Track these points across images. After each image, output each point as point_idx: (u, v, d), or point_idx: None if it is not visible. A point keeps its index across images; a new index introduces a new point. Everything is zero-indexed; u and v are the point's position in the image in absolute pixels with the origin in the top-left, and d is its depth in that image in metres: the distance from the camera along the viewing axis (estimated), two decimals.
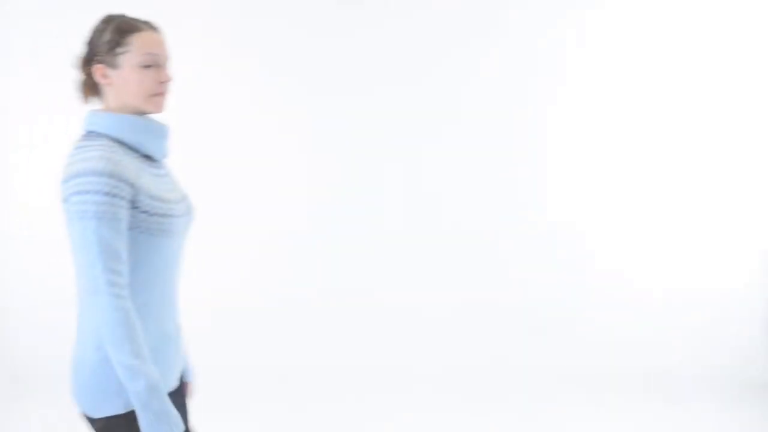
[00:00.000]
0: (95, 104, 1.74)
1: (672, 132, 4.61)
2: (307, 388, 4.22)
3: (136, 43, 1.66)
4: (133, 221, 1.61)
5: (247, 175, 4.65)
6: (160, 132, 1.73)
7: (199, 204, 4.66)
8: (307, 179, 4.63)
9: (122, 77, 1.67)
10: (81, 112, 4.58)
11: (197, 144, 4.66)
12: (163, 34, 1.72)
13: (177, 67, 4.57)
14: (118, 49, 1.66)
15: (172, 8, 4.55)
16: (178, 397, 1.86)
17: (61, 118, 4.60)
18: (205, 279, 4.64)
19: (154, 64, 1.67)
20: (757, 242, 4.60)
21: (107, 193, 1.55)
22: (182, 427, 1.58)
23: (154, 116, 1.78)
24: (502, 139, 4.62)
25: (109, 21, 1.70)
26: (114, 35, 1.67)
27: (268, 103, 4.62)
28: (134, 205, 1.61)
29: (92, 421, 1.69)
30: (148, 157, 1.72)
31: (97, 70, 1.68)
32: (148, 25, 1.70)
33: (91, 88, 1.75)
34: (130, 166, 1.62)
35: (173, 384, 1.77)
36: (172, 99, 4.59)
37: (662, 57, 4.57)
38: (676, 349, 4.48)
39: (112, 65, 1.67)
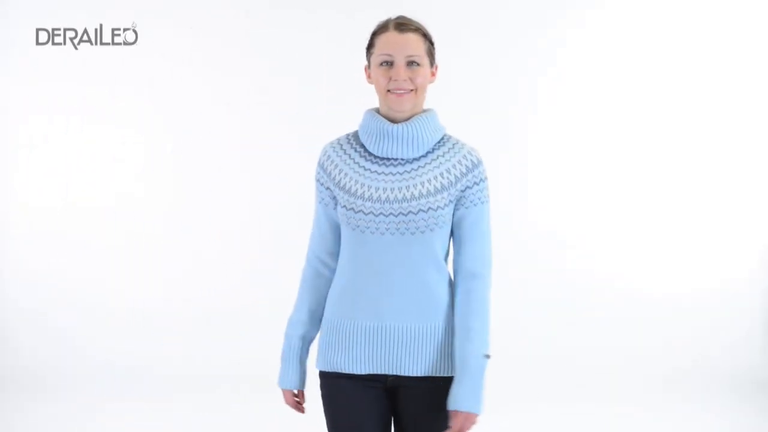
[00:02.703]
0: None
1: (671, 134, 4.61)
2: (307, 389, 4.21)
3: (378, 43, 1.83)
4: (337, 210, 1.85)
5: (248, 176, 4.64)
6: (381, 132, 1.82)
7: (205, 203, 4.62)
8: (307, 179, 4.61)
9: (372, 76, 1.85)
10: (80, 112, 4.59)
11: (197, 145, 4.66)
12: (409, 35, 1.80)
13: (176, 68, 4.56)
14: (371, 50, 1.86)
15: (174, 8, 4.55)
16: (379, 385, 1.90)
17: (61, 118, 4.60)
18: (206, 279, 4.63)
19: (389, 63, 1.80)
20: (755, 241, 4.60)
21: (315, 178, 1.91)
22: (283, 386, 2.00)
23: (396, 117, 1.83)
24: (501, 140, 4.62)
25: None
26: (370, 38, 1.87)
27: (269, 103, 4.61)
28: (333, 194, 1.86)
29: None
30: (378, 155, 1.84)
31: (365, 71, 1.89)
32: (397, 26, 1.81)
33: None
34: (338, 158, 1.87)
35: (348, 368, 1.87)
36: (171, 99, 4.60)
37: (658, 55, 4.58)
38: (676, 350, 4.48)
39: (370, 65, 1.86)
